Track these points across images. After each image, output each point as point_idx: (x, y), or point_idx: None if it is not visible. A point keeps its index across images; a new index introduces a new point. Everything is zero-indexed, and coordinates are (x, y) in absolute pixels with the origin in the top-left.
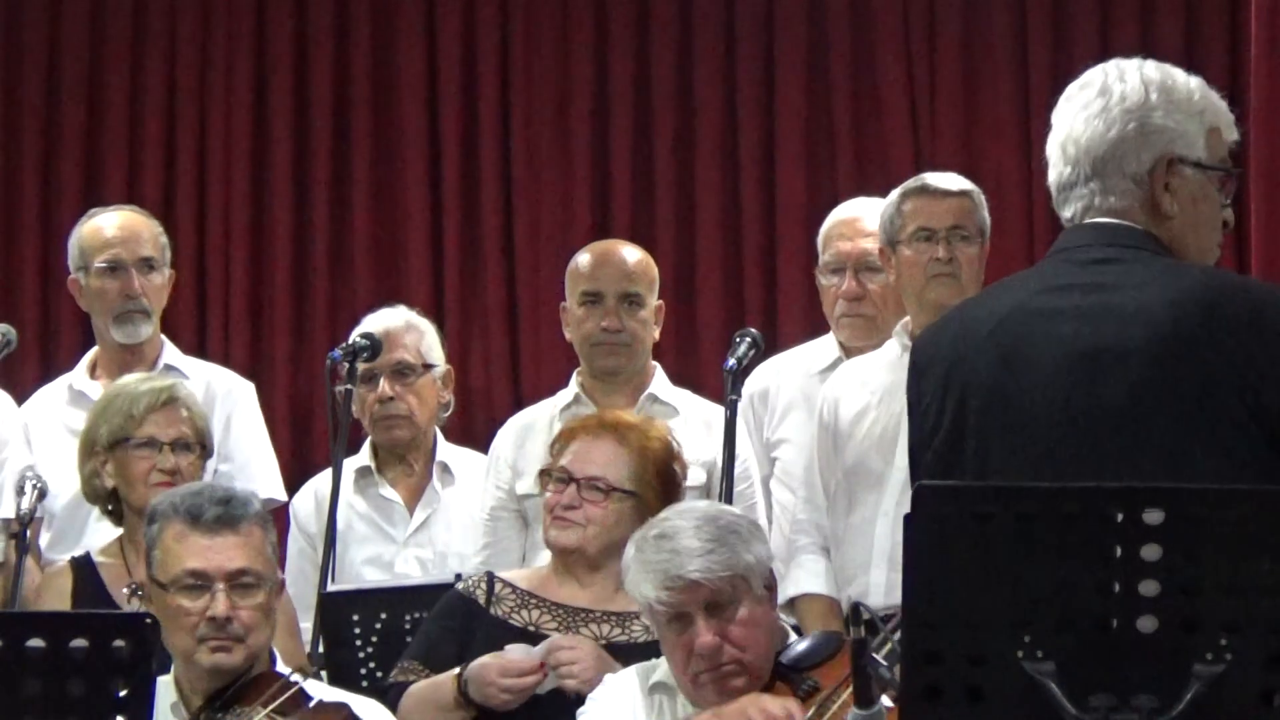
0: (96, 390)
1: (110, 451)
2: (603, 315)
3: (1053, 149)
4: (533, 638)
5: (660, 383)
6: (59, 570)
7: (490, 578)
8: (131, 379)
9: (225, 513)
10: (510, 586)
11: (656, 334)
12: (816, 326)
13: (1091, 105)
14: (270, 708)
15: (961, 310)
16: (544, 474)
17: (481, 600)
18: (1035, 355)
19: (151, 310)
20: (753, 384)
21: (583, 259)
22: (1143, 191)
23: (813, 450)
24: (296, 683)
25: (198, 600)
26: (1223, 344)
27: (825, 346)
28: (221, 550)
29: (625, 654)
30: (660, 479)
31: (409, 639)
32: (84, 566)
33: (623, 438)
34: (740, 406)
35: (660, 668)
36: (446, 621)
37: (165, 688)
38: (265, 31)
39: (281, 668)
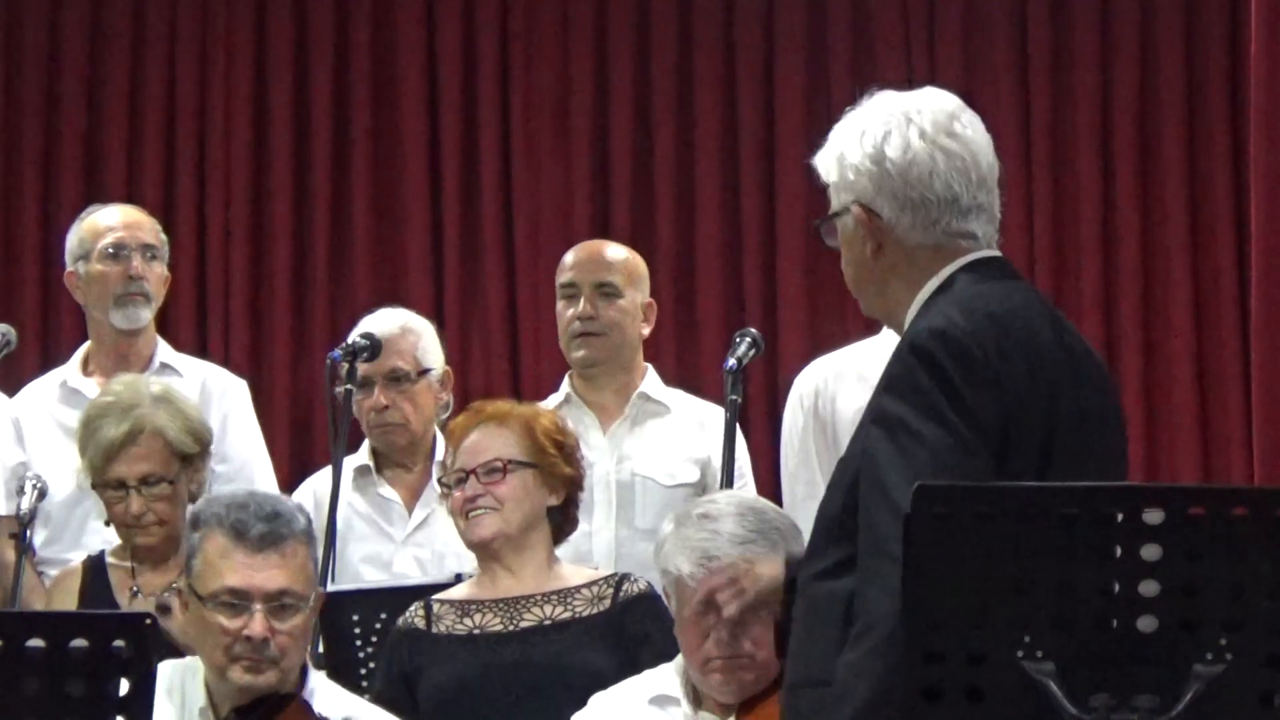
0: (90, 386)
1: (95, 489)
2: (580, 306)
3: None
4: (478, 641)
5: (652, 382)
6: (72, 570)
7: (426, 602)
8: (102, 402)
9: (271, 530)
10: (447, 603)
11: (645, 331)
12: (817, 326)
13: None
14: None
15: None
16: (442, 484)
17: (422, 625)
18: None
19: (153, 296)
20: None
21: (566, 257)
22: None
23: (807, 445)
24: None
25: (235, 619)
26: None
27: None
28: (263, 570)
29: (572, 629)
30: (556, 445)
31: None
32: (95, 567)
33: (503, 421)
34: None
35: (661, 680)
36: (389, 660)
37: (192, 675)
38: (265, 31)
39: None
